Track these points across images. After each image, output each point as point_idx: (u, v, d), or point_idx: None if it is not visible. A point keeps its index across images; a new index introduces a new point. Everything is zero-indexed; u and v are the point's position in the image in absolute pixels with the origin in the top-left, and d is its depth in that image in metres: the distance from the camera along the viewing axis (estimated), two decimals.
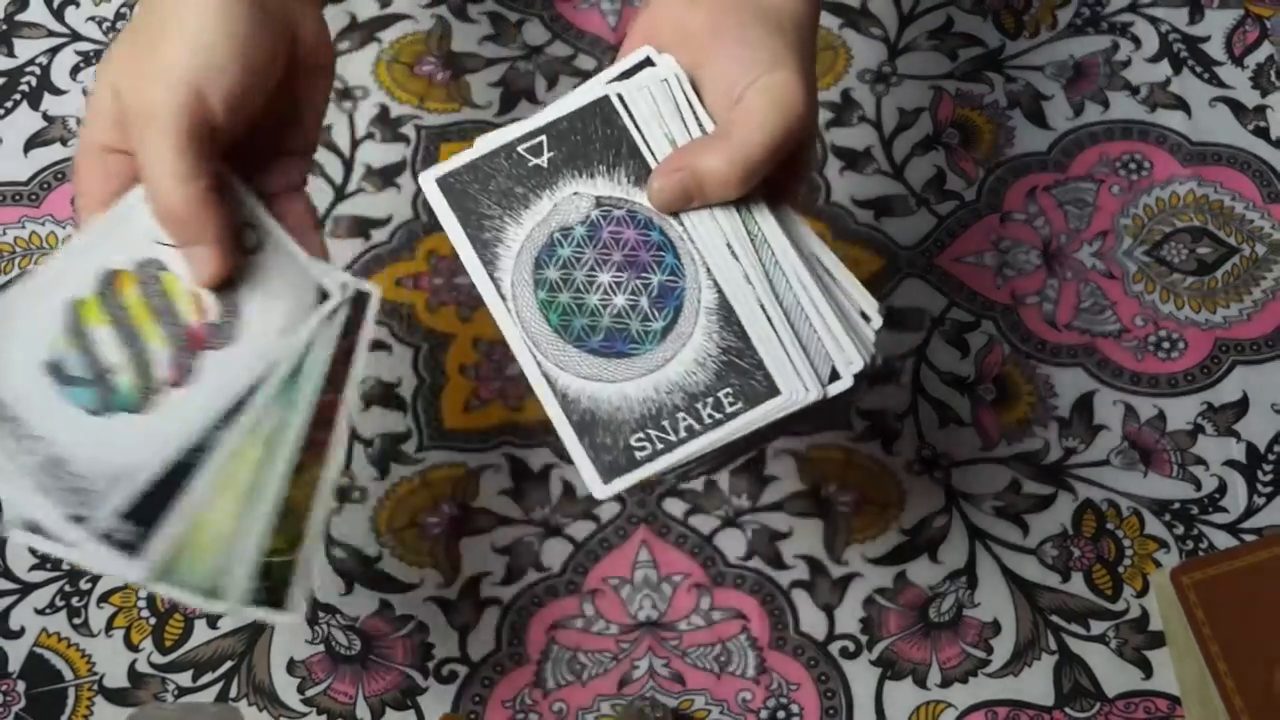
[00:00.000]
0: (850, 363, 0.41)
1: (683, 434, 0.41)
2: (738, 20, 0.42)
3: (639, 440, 0.42)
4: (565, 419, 0.42)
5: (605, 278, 0.42)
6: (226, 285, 0.43)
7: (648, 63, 0.43)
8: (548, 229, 0.43)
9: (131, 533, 0.39)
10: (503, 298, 0.43)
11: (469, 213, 0.43)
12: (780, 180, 0.43)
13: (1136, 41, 0.76)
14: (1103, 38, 0.76)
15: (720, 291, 0.42)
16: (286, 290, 0.44)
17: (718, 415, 0.41)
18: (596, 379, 0.42)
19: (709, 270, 0.42)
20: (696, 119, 0.43)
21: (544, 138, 0.43)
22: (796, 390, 0.41)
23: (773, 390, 0.41)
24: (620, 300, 0.42)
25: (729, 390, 0.41)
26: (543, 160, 0.43)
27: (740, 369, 0.41)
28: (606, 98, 0.43)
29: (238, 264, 0.43)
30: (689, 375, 0.42)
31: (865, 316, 0.43)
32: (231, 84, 0.41)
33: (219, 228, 0.41)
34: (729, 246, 0.42)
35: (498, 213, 0.43)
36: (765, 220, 0.42)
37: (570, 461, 0.43)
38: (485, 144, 0.43)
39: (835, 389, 0.41)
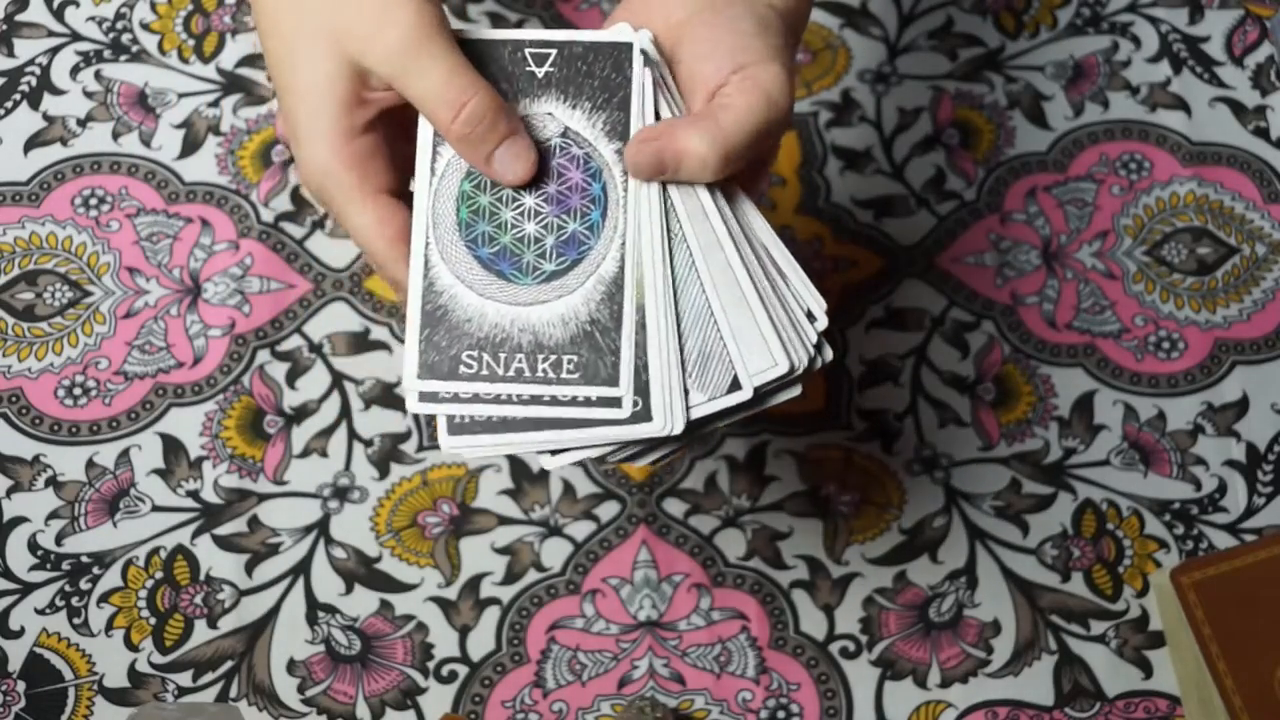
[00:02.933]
0: (764, 370, 0.41)
1: (509, 373, 0.41)
2: (730, 11, 0.42)
3: (469, 357, 0.42)
4: (419, 303, 0.42)
5: (530, 201, 0.42)
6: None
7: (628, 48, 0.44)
8: None
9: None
10: (432, 172, 0.43)
11: None
12: (745, 171, 0.43)
13: (1136, 41, 0.76)
14: (1103, 38, 0.76)
15: (621, 268, 0.42)
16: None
17: (550, 374, 0.41)
18: (468, 286, 0.42)
19: (623, 244, 0.42)
20: (671, 98, 0.43)
21: (554, 52, 0.43)
22: (627, 396, 0.41)
23: (612, 380, 0.41)
24: (530, 228, 0.42)
25: (574, 358, 0.41)
26: (539, 71, 0.43)
27: (596, 345, 0.41)
28: (630, 45, 0.43)
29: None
30: (548, 326, 0.42)
31: (811, 316, 0.42)
32: None
33: (517, 116, 0.42)
34: (664, 232, 0.42)
35: None
36: (711, 208, 0.42)
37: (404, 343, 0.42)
38: (499, 33, 0.43)
39: (705, 409, 0.41)
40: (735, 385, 0.41)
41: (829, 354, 0.43)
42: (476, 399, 0.42)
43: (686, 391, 0.41)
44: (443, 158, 0.43)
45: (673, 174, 0.41)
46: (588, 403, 0.41)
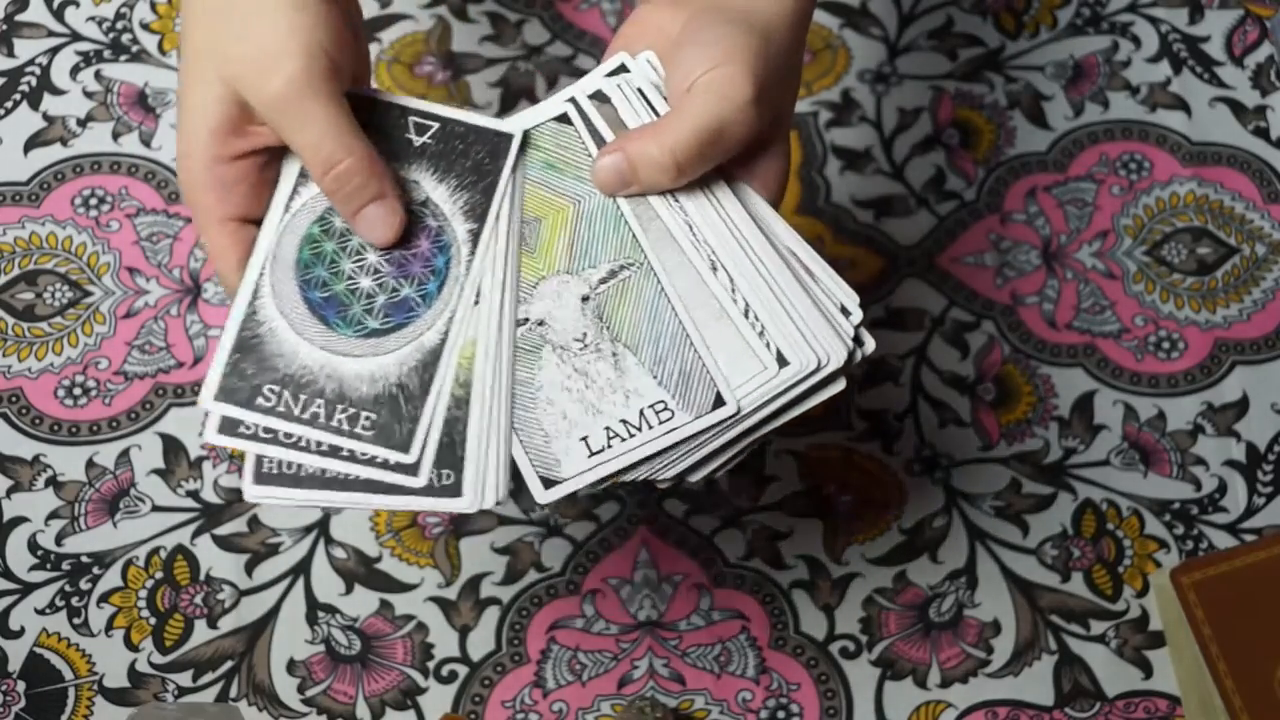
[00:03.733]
0: (754, 377, 0.41)
1: (305, 415, 0.41)
2: (710, 20, 0.43)
3: (270, 390, 0.42)
4: (236, 329, 0.42)
5: (372, 258, 0.43)
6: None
7: (622, 69, 0.44)
8: None
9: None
10: (286, 209, 0.43)
11: None
12: (756, 175, 0.44)
13: (1136, 41, 0.76)
14: (1103, 38, 0.76)
15: (443, 343, 0.42)
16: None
17: (344, 426, 0.42)
18: (289, 323, 0.42)
19: (450, 319, 0.42)
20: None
21: (436, 125, 0.44)
22: (425, 466, 0.41)
23: (404, 446, 0.41)
24: (365, 282, 0.43)
25: (372, 416, 0.42)
26: (417, 140, 0.44)
27: (396, 409, 0.42)
28: (510, 136, 0.44)
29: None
30: (355, 380, 0.42)
31: (845, 310, 0.43)
32: (344, 37, 0.41)
33: (393, 180, 0.42)
34: (512, 313, 0.43)
35: None
36: (677, 228, 0.42)
37: None
38: (389, 96, 0.44)
39: (691, 428, 0.41)
40: (720, 401, 0.41)
41: (870, 344, 0.43)
42: (276, 440, 0.42)
43: (548, 464, 0.42)
44: (301, 197, 0.43)
45: (636, 184, 0.42)
46: (385, 465, 0.41)
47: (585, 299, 0.43)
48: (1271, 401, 0.68)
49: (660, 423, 0.41)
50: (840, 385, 0.42)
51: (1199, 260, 0.71)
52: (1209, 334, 0.69)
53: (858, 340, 0.43)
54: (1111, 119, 0.74)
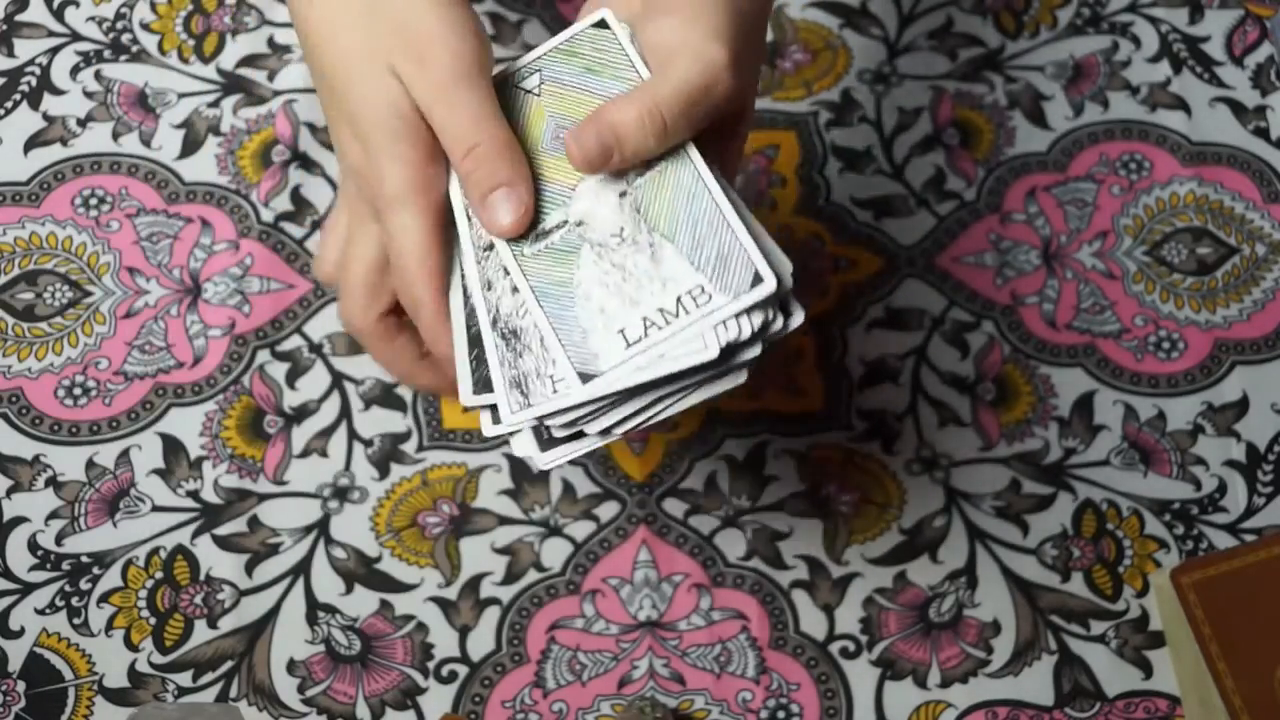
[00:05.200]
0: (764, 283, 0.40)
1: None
2: None
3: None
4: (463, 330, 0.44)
5: None
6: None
7: (602, 24, 0.45)
8: None
9: None
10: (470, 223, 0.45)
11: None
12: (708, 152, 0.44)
13: (1136, 41, 0.76)
14: (1103, 38, 0.76)
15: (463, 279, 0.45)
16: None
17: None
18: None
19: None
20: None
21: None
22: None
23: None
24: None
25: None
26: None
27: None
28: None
29: None
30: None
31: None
32: (482, 31, 0.44)
33: (526, 170, 0.43)
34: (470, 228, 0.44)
35: None
36: (693, 165, 0.43)
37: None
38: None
39: (731, 308, 0.40)
40: (758, 279, 0.40)
41: (799, 316, 0.42)
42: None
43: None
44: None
45: (620, 154, 0.42)
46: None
47: (623, 194, 0.43)
48: (1271, 401, 0.68)
49: (698, 307, 0.40)
50: (756, 351, 0.41)
51: (1199, 260, 0.71)
52: (1209, 334, 0.69)
53: (786, 309, 0.42)
54: (1111, 119, 0.74)
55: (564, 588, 0.64)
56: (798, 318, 0.42)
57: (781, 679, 0.63)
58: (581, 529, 0.65)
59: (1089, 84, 0.75)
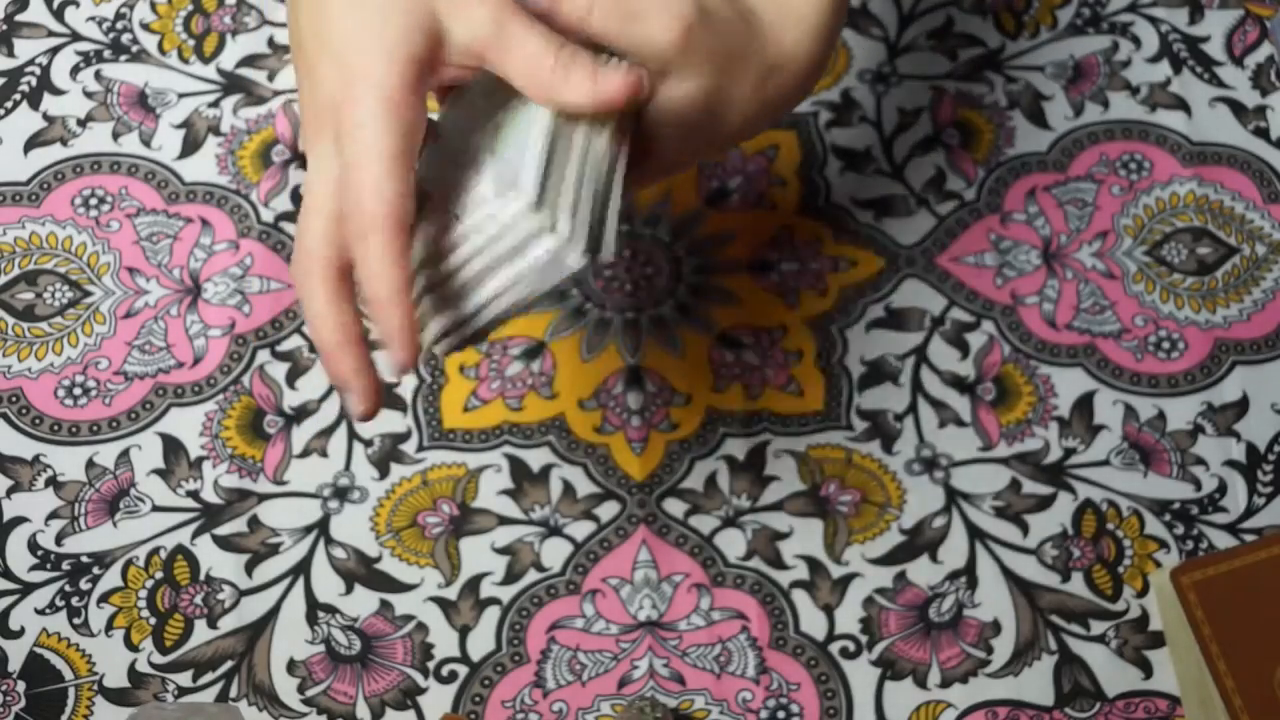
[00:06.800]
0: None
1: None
2: None
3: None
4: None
5: None
6: None
7: None
8: None
9: None
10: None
11: None
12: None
13: (1136, 41, 0.76)
14: (1103, 38, 0.76)
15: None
16: None
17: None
18: None
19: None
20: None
21: None
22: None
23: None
24: None
25: None
26: None
27: None
28: None
29: None
30: None
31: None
32: None
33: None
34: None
35: None
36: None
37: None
38: None
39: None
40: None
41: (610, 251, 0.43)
42: None
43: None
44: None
45: (649, 85, 0.43)
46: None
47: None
48: (1271, 401, 0.68)
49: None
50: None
51: (1199, 260, 0.71)
52: (1209, 334, 0.69)
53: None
54: (1111, 119, 0.74)
55: (564, 588, 0.64)
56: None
57: (781, 679, 0.63)
58: (581, 529, 0.65)
59: (1089, 84, 0.75)
